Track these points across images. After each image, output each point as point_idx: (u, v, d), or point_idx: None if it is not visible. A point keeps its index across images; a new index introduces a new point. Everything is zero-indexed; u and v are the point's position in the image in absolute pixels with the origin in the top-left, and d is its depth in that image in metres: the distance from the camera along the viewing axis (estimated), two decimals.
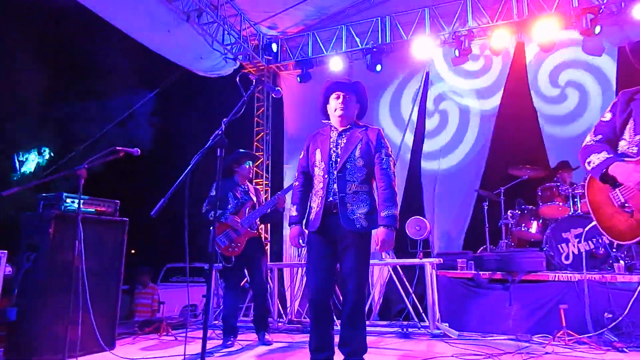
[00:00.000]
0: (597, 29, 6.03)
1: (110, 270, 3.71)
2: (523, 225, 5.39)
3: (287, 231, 6.08)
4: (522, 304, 4.14)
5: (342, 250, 2.68)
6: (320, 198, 2.72)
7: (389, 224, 2.62)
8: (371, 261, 5.02)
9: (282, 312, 5.16)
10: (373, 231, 2.69)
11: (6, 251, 3.15)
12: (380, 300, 4.99)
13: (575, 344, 3.52)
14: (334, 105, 2.85)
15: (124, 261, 3.82)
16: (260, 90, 8.24)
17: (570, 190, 4.98)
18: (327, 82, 2.94)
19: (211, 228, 2.36)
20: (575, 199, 4.92)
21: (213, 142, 2.18)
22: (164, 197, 2.05)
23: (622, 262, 4.17)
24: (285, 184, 7.46)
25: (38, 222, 3.34)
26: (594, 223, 2.29)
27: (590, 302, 3.80)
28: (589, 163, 2.18)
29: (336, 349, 2.71)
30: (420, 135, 7.24)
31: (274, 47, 7.80)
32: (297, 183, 2.96)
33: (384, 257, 5.21)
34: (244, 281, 4.71)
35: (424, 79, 7.30)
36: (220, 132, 2.20)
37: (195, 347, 3.92)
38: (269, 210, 4.08)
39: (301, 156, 2.97)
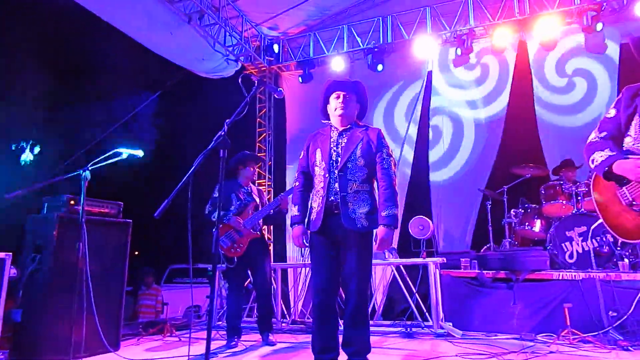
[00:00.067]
0: (599, 26, 6.01)
1: (114, 272, 3.72)
2: (526, 224, 5.38)
3: (290, 232, 6.09)
4: (526, 303, 4.13)
5: (344, 251, 2.68)
6: (321, 198, 2.72)
7: (389, 224, 2.62)
8: (375, 261, 5.03)
9: (285, 313, 5.17)
10: (374, 230, 2.69)
11: (11, 253, 3.17)
12: (384, 300, 4.98)
13: (580, 343, 3.50)
14: (334, 105, 2.85)
15: (128, 262, 3.83)
16: (262, 91, 8.25)
17: (573, 189, 4.95)
18: (327, 81, 2.94)
19: (214, 229, 2.37)
20: (579, 197, 4.90)
21: (216, 143, 2.19)
22: (167, 198, 2.05)
23: (626, 260, 4.16)
24: (288, 185, 7.47)
25: (42, 224, 3.36)
26: (600, 221, 2.27)
27: (595, 301, 3.79)
28: (592, 161, 2.15)
29: (340, 350, 2.70)
30: (425, 137, 7.23)
31: (276, 47, 7.82)
32: (297, 183, 2.95)
33: (387, 256, 5.21)
34: (247, 282, 4.72)
35: (424, 85, 7.29)
36: (222, 134, 2.20)
37: (199, 348, 3.93)
38: (271, 211, 4.09)
39: (301, 156, 2.97)
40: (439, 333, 4.17)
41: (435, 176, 7.01)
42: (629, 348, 3.29)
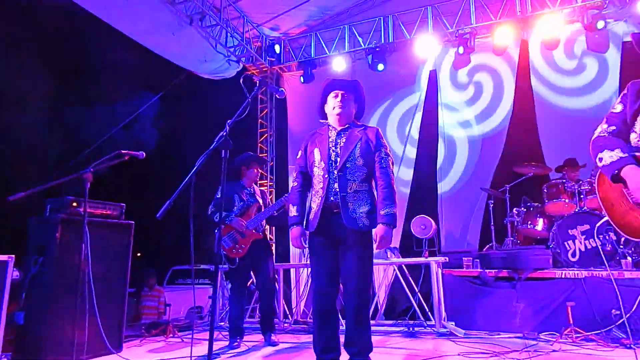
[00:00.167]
0: (601, 24, 6.00)
1: (117, 273, 3.73)
2: (529, 222, 5.36)
3: None
4: (529, 302, 4.12)
5: (344, 250, 2.68)
6: (320, 198, 2.71)
7: (388, 222, 2.61)
8: (377, 260, 5.04)
9: (287, 313, 5.17)
10: (373, 230, 2.69)
11: (13, 255, 3.17)
12: (386, 300, 4.98)
13: (583, 341, 3.50)
14: (333, 104, 2.83)
15: (130, 264, 3.84)
16: (264, 91, 8.27)
17: (576, 187, 4.94)
18: (325, 81, 2.94)
19: (216, 230, 2.37)
20: (582, 196, 4.89)
21: (217, 143, 2.19)
22: (169, 199, 2.05)
23: (629, 258, 4.14)
24: (289, 186, 7.46)
25: (45, 226, 3.36)
26: (605, 219, 2.24)
27: (598, 299, 3.78)
28: (600, 159, 2.09)
29: (342, 349, 2.70)
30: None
31: (277, 48, 7.83)
32: (295, 183, 2.92)
33: (389, 256, 5.21)
34: (249, 282, 4.72)
35: (427, 85, 7.30)
36: (224, 134, 2.20)
37: (201, 349, 3.94)
38: (275, 212, 4.09)
39: (299, 156, 2.94)
40: (442, 332, 4.17)
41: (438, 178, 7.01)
42: (632, 346, 3.28)
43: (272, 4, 7.22)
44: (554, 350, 3.35)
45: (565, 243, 4.66)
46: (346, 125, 2.83)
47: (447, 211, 6.81)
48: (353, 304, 2.62)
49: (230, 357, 3.60)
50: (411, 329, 4.31)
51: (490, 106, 6.88)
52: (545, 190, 5.23)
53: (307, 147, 2.89)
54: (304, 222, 2.82)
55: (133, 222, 3.88)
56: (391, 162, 2.79)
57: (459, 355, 3.30)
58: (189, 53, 6.82)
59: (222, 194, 2.09)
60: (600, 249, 4.32)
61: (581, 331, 3.56)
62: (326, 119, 2.92)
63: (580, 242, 4.59)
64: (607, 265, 3.97)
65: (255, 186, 4.32)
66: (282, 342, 4.04)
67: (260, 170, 4.38)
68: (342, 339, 2.71)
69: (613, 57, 6.20)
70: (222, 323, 4.97)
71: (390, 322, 4.66)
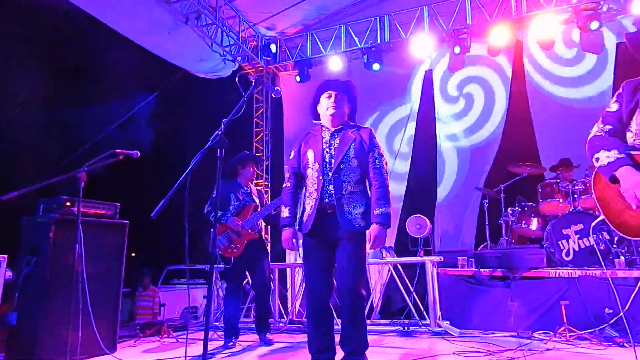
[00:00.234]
0: (594, 25, 6.03)
1: (111, 273, 3.71)
2: (523, 222, 5.39)
3: None
4: (523, 301, 4.14)
5: (339, 250, 2.67)
6: (314, 200, 2.69)
7: (382, 222, 2.61)
8: (372, 260, 5.05)
9: (283, 312, 5.17)
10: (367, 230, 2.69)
11: (6, 255, 3.15)
12: (381, 299, 4.99)
13: (577, 340, 3.52)
14: (326, 105, 2.81)
15: (125, 264, 3.82)
16: (260, 91, 8.25)
17: (570, 187, 4.97)
18: (318, 82, 2.94)
19: (212, 229, 2.36)
20: (576, 196, 4.92)
21: (213, 142, 2.18)
22: (164, 198, 2.04)
23: (622, 257, 4.18)
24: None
25: (38, 226, 3.34)
26: (600, 218, 2.24)
27: (591, 298, 3.81)
28: (597, 159, 2.08)
29: (337, 348, 2.70)
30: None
31: (273, 47, 7.82)
32: (288, 184, 2.89)
33: (384, 255, 5.21)
34: (244, 282, 4.71)
35: (422, 85, 7.31)
36: (220, 133, 2.19)
37: (196, 349, 3.92)
38: (273, 211, 4.08)
39: (291, 156, 2.92)
40: (437, 331, 4.18)
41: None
42: (625, 345, 3.30)
43: (268, 3, 7.21)
44: (547, 349, 3.37)
45: (559, 242, 4.69)
46: (340, 126, 2.82)
47: (442, 211, 6.83)
48: (348, 303, 2.62)
49: (225, 357, 3.59)
50: (406, 328, 4.32)
51: (485, 112, 6.91)
52: (539, 190, 5.26)
53: (301, 148, 2.87)
54: (297, 223, 2.81)
55: (127, 221, 3.86)
56: (384, 162, 2.78)
57: (453, 354, 3.31)
58: (185, 52, 6.80)
59: (217, 193, 2.08)
60: (597, 248, 4.35)
61: (575, 330, 3.58)
62: (319, 119, 2.91)
63: (574, 242, 4.62)
64: (602, 264, 4.00)
65: (251, 185, 4.30)
66: (277, 342, 4.04)
67: (255, 169, 4.37)
68: (337, 338, 2.71)
69: (607, 55, 6.23)
70: (217, 323, 4.97)
71: (386, 321, 4.67)
